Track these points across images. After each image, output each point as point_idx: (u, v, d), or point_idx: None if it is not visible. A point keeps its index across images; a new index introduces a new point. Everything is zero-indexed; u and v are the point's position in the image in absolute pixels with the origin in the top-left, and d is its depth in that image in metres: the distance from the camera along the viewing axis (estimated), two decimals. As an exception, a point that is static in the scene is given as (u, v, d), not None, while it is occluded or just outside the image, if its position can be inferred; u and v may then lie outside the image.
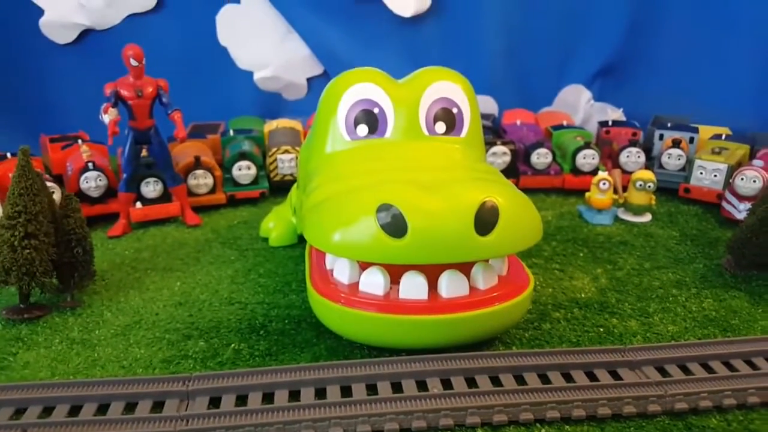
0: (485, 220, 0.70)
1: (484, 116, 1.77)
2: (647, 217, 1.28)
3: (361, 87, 0.90)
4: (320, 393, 0.70)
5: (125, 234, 1.19)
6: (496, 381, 0.71)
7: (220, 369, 0.76)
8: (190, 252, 1.11)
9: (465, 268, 0.76)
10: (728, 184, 1.28)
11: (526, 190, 1.43)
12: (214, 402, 0.68)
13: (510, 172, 1.44)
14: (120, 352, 0.80)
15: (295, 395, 0.69)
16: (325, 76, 1.85)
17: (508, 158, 1.44)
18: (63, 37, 1.71)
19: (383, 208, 0.70)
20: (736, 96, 1.86)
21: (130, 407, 0.68)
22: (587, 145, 1.43)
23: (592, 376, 0.72)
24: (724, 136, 1.51)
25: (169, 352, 0.80)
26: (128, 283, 1.00)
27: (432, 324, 0.73)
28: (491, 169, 0.89)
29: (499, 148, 1.43)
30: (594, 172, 1.40)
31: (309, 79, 1.86)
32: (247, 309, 0.91)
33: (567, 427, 0.65)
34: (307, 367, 0.72)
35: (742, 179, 1.22)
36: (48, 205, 0.87)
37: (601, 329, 0.85)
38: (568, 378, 0.72)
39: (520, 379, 0.71)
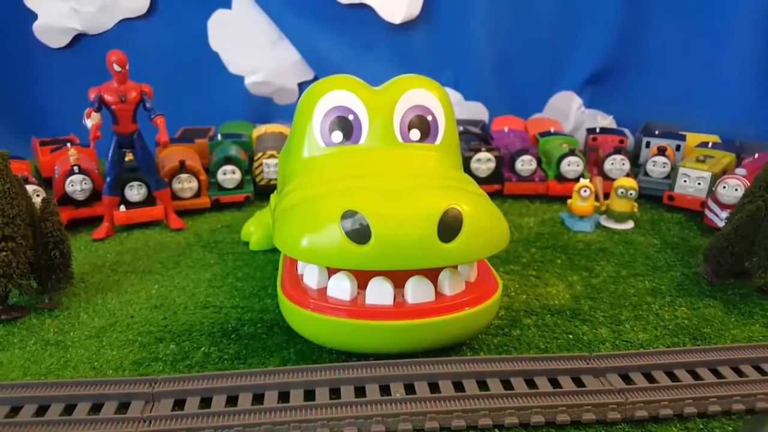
0: (448, 227, 0.71)
1: (473, 123, 1.79)
2: (629, 225, 1.28)
3: (336, 94, 0.91)
4: (284, 397, 0.71)
5: (108, 237, 1.21)
6: (459, 386, 0.72)
7: (188, 372, 0.77)
8: (170, 255, 1.13)
9: (432, 274, 0.77)
10: (711, 192, 1.28)
11: (511, 197, 1.46)
12: (179, 404, 0.69)
13: (495, 178, 1.45)
14: (92, 354, 0.81)
15: (259, 399, 0.70)
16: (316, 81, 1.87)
17: (492, 165, 1.45)
18: (56, 41, 1.73)
19: (348, 214, 0.71)
20: (728, 103, 1.87)
21: (97, 408, 0.69)
22: (572, 152, 1.43)
23: (555, 383, 0.73)
24: (710, 144, 1.51)
25: (140, 354, 0.81)
26: (107, 285, 1.01)
27: (397, 329, 0.74)
28: (463, 176, 0.90)
29: (484, 155, 1.44)
30: (578, 179, 1.41)
31: (300, 84, 1.88)
32: (221, 313, 0.92)
33: (526, 434, 0.66)
34: (271, 371, 0.73)
35: (724, 187, 1.23)
36: (26, 208, 0.89)
37: (571, 336, 0.86)
38: (531, 384, 0.72)
39: (483, 385, 0.72)
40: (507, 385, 0.72)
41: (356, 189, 0.75)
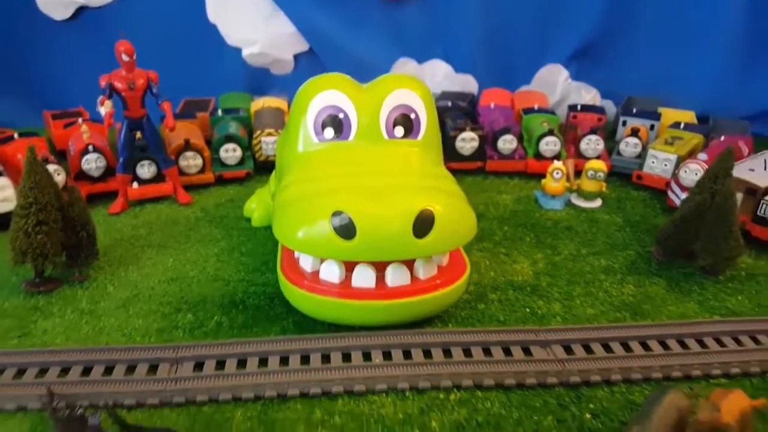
0: (422, 225, 0.85)
1: (462, 96, 1.89)
2: (598, 203, 1.42)
3: (328, 94, 1.03)
4: (284, 361, 0.87)
5: (124, 211, 1.35)
6: (427, 354, 0.88)
7: (204, 338, 0.93)
8: (181, 230, 1.27)
9: (408, 261, 0.92)
10: (674, 174, 1.41)
11: (492, 173, 1.59)
12: (199, 366, 0.86)
13: (478, 156, 1.57)
14: (121, 322, 0.97)
15: (264, 362, 0.86)
16: (311, 53, 1.95)
17: (476, 144, 1.56)
18: (60, 13, 1.81)
19: (336, 214, 0.84)
20: (711, 77, 1.96)
21: (131, 370, 0.85)
22: (551, 132, 1.55)
23: (507, 352, 0.89)
24: (682, 125, 1.62)
25: (163, 323, 0.97)
26: (127, 259, 1.16)
27: (378, 307, 0.90)
28: (441, 172, 1.02)
29: (468, 134, 1.56)
30: (556, 158, 1.54)
31: (295, 56, 1.97)
32: (229, 285, 1.07)
33: (479, 393, 0.82)
34: (273, 340, 0.89)
35: (685, 171, 1.35)
36: (55, 195, 1.02)
37: (528, 310, 1.01)
38: (487, 353, 0.88)
39: (447, 353, 0.88)
40: (467, 353, 0.88)
41: (344, 189, 0.88)
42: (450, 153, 1.56)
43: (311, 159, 1.02)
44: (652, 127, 1.67)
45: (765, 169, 1.29)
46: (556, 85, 2.02)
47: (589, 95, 1.99)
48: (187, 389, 0.81)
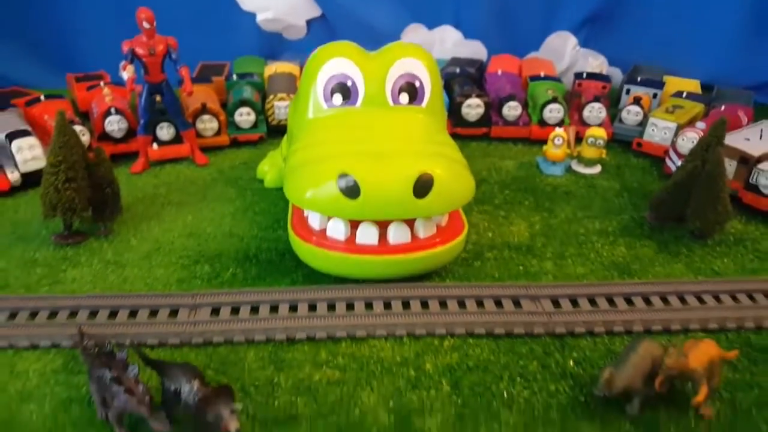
0: (422, 187, 0.90)
1: (471, 62, 1.90)
2: (597, 169, 1.45)
3: (337, 62, 1.06)
4: (293, 308, 0.93)
5: (145, 170, 1.41)
6: (425, 305, 0.94)
7: (220, 288, 0.99)
8: (198, 189, 1.33)
9: (409, 220, 0.97)
10: (673, 142, 1.43)
11: (497, 139, 1.62)
12: (215, 312, 0.92)
13: (483, 122, 1.60)
14: (144, 272, 1.04)
15: (275, 309, 0.93)
16: (323, 19, 1.97)
17: (482, 110, 1.59)
18: (83, -21, 1.83)
19: (342, 176, 0.89)
20: (719, 46, 1.94)
21: (153, 314, 0.92)
22: (555, 100, 1.57)
23: (499, 304, 0.94)
24: (685, 94, 1.63)
25: (182, 273, 1.03)
26: (149, 215, 1.22)
27: (380, 262, 0.95)
28: (443, 138, 1.06)
29: (474, 101, 1.58)
30: (559, 125, 1.56)
31: (308, 21, 1.98)
32: (243, 241, 1.13)
33: (470, 340, 0.88)
34: (284, 290, 0.96)
35: (683, 139, 1.37)
36: (82, 154, 1.08)
37: (521, 268, 1.06)
38: (480, 305, 0.94)
39: (443, 305, 0.94)
40: (461, 305, 0.94)
41: (349, 153, 0.93)
42: (456, 119, 1.59)
43: (320, 125, 1.06)
44: (655, 95, 1.67)
45: (760, 138, 1.31)
46: (564, 52, 2.01)
47: (596, 62, 1.98)
48: (204, 331, 0.87)
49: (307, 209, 0.98)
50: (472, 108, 1.59)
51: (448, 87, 1.69)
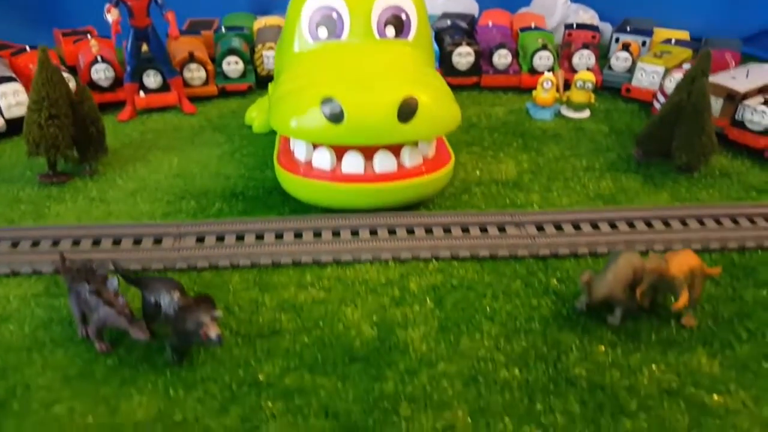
0: (406, 111, 0.87)
1: (462, 16, 1.86)
2: (586, 114, 1.43)
3: (321, -6, 1.03)
4: (279, 237, 0.91)
5: (132, 119, 1.38)
6: (411, 232, 0.92)
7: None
8: (186, 135, 1.30)
9: (395, 149, 0.95)
10: (661, 85, 1.41)
11: (487, 88, 1.59)
12: (200, 240, 0.91)
13: (474, 71, 1.57)
14: (129, 208, 1.02)
15: (260, 237, 0.91)
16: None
17: (472, 58, 1.56)
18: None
19: (326, 100, 0.87)
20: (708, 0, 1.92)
21: (138, 243, 0.90)
22: (544, 47, 1.54)
23: (485, 231, 0.93)
24: (674, 41, 1.60)
25: (168, 208, 1.01)
26: (135, 158, 1.20)
27: (366, 191, 0.94)
28: (429, 70, 1.03)
29: (464, 49, 1.55)
30: (549, 71, 1.53)
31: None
32: (230, 180, 1.11)
33: (455, 262, 0.87)
34: (269, 219, 0.94)
35: (670, 81, 1.35)
36: (65, 92, 1.05)
37: (508, 200, 1.04)
38: (465, 231, 0.92)
39: (429, 232, 0.92)
40: (447, 231, 0.92)
41: (334, 79, 0.90)
42: (447, 68, 1.56)
43: (305, 58, 1.03)
44: (644, 43, 1.64)
45: (746, 77, 1.28)
46: (554, 6, 1.97)
47: (587, 15, 1.94)
48: (188, 257, 0.86)
49: (293, 137, 0.96)
50: (463, 56, 1.55)
51: (438, 39, 1.66)
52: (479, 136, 1.31)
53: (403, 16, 1.06)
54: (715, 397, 0.64)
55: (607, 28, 1.97)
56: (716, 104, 1.23)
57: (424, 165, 0.98)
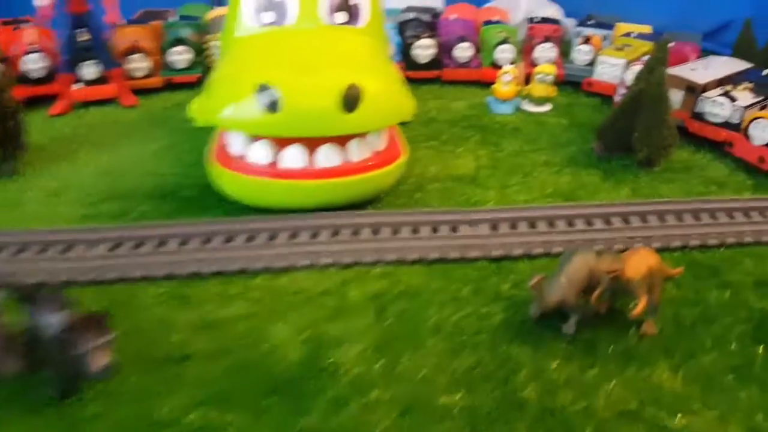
0: (350, 99, 0.77)
1: (426, 10, 1.76)
2: (547, 107, 1.34)
3: (263, -24, 0.92)
4: (206, 242, 0.80)
5: (66, 112, 1.24)
6: (356, 233, 0.82)
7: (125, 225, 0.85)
8: (122, 130, 1.17)
9: (342, 141, 0.84)
10: (622, 79, 1.33)
11: (449, 83, 1.49)
12: (116, 246, 0.78)
13: (435, 64, 1.47)
14: (47, 210, 0.89)
15: (185, 243, 0.80)
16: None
17: (433, 51, 1.46)
18: None
19: (262, 87, 0.76)
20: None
21: (44, 251, 0.77)
22: (506, 40, 1.45)
23: (436, 231, 0.83)
24: (635, 34, 1.52)
25: (87, 210, 0.89)
26: (62, 155, 1.06)
27: (308, 188, 0.83)
28: (382, 59, 0.92)
29: (425, 41, 1.45)
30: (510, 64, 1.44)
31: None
32: (163, 179, 0.99)
33: (402, 267, 0.77)
34: (195, 223, 0.83)
35: (631, 74, 1.27)
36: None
37: (464, 197, 0.95)
38: (415, 231, 0.82)
39: (376, 232, 0.82)
40: (396, 232, 0.82)
41: (272, 65, 0.79)
42: (408, 61, 1.46)
43: (245, 43, 0.91)
44: (605, 37, 1.56)
45: (706, 69, 1.21)
46: (519, 1, 1.88)
47: (551, 9, 1.86)
48: (98, 267, 0.74)
49: (227, 127, 0.85)
50: (423, 49, 1.45)
51: (400, 31, 1.56)
52: (438, 130, 1.21)
53: (354, 2, 0.96)
54: (678, 417, 0.56)
55: (572, 24, 1.89)
56: (677, 97, 1.16)
57: (373, 159, 0.87)
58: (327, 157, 0.82)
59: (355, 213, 0.84)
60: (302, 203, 0.84)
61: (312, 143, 0.83)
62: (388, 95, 0.82)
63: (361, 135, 0.85)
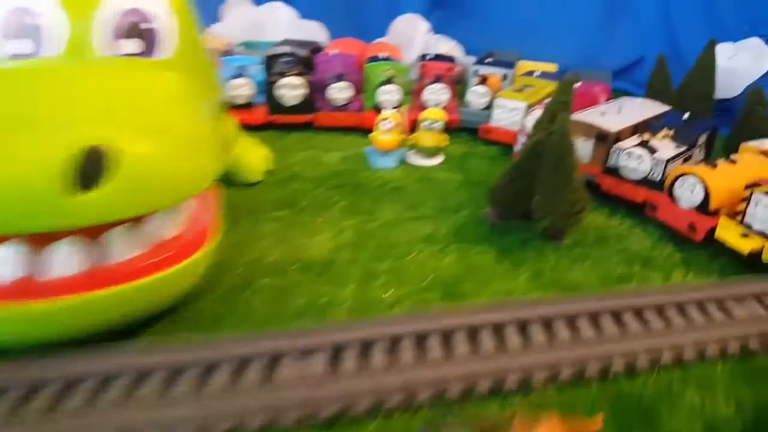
0: (87, 170, 0.47)
1: (304, 44, 1.50)
2: (437, 160, 1.10)
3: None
4: None
5: None
6: (106, 381, 0.50)
7: None
8: None
9: (93, 233, 0.53)
10: (522, 125, 1.12)
11: (324, 129, 1.23)
12: None
13: (305, 107, 1.20)
14: None
15: None
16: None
17: (303, 92, 1.19)
18: None
19: None
20: (574, 32, 1.72)
21: None
22: (390, 80, 1.21)
23: (239, 372, 0.53)
24: (538, 73, 1.33)
25: None
26: None
27: (21, 315, 0.50)
28: (177, 103, 0.63)
29: (291, 80, 1.18)
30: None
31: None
32: None
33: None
34: None
35: (532, 119, 1.05)
36: None
37: (305, 300, 0.66)
38: (207, 373, 0.52)
39: (141, 379, 0.51)
40: (170, 381, 0.51)
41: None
42: (272, 104, 1.18)
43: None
44: (505, 77, 1.36)
45: (618, 113, 1.02)
46: (413, 37, 1.68)
47: (446, 47, 1.66)
48: None
49: None
50: (290, 89, 1.18)
51: (267, 68, 1.28)
52: (297, 194, 0.93)
53: (149, 25, 0.66)
54: None
55: (471, 62, 1.71)
56: (585, 148, 0.95)
57: (153, 254, 0.56)
58: (59, 262, 0.51)
59: (98, 355, 0.53)
60: (13, 338, 0.52)
61: (39, 239, 0.51)
62: (161, 159, 0.53)
63: (129, 220, 0.54)
